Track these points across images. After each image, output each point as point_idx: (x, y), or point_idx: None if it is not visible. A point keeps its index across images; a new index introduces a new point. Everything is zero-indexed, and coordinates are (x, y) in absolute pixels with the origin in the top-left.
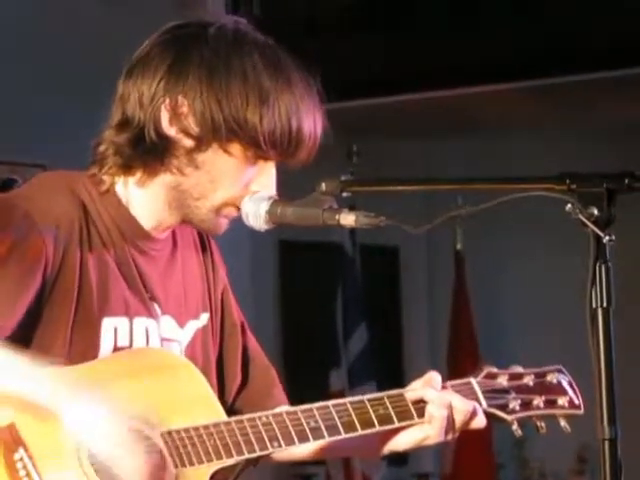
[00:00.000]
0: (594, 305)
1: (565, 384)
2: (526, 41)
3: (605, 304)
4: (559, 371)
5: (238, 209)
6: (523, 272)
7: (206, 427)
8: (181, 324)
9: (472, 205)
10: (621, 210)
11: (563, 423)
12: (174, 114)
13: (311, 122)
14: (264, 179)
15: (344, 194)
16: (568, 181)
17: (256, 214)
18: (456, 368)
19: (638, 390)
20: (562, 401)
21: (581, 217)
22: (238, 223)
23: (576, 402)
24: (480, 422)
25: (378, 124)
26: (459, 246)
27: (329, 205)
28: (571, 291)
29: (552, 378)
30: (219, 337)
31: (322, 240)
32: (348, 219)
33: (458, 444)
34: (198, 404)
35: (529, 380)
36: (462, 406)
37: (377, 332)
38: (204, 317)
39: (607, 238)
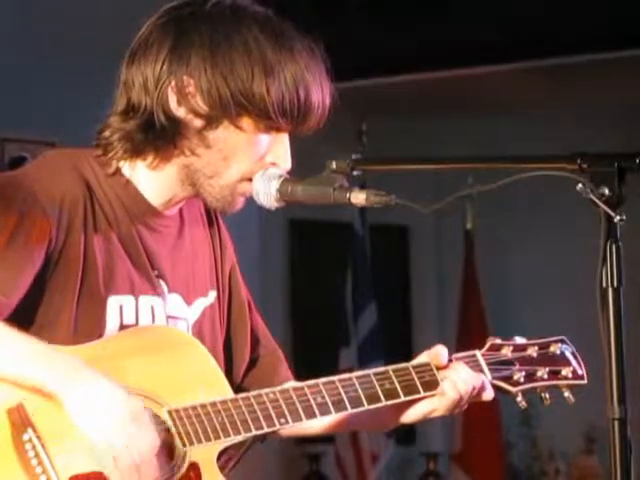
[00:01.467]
0: (604, 285)
1: (568, 354)
2: (535, 22)
3: (615, 284)
4: (562, 342)
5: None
6: (533, 252)
7: (213, 404)
8: (188, 302)
9: (482, 185)
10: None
11: (567, 394)
12: (181, 95)
13: (318, 89)
14: (278, 150)
15: (354, 173)
16: (579, 161)
17: (267, 192)
18: (465, 347)
19: None
20: (566, 372)
21: (592, 197)
22: (248, 202)
23: (579, 372)
24: (488, 395)
25: (388, 103)
26: (469, 225)
27: (340, 184)
28: (581, 270)
29: (555, 349)
30: (227, 316)
31: (332, 219)
32: (359, 198)
33: (466, 423)
34: (205, 381)
35: (533, 351)
36: (472, 380)
37: (386, 311)
38: (212, 295)
39: (618, 218)
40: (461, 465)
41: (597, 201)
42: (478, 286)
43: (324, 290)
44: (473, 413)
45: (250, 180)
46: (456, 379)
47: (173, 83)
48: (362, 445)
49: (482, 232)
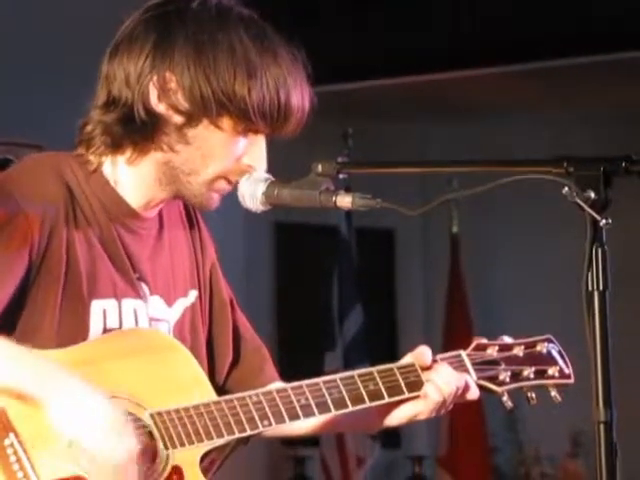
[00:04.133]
0: (590, 288)
1: (555, 353)
2: (523, 24)
3: (601, 287)
4: (549, 340)
5: (230, 183)
6: (518, 255)
7: (196, 407)
8: (169, 303)
9: (468, 188)
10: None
11: (553, 393)
12: (162, 91)
13: (299, 93)
14: (255, 152)
15: (340, 176)
16: (565, 164)
17: (253, 195)
18: (451, 350)
19: (634, 373)
20: (552, 371)
21: (578, 200)
22: (233, 204)
23: (566, 371)
24: (473, 395)
25: (374, 107)
26: (455, 229)
27: (326, 187)
28: (567, 273)
29: (542, 348)
30: (208, 315)
31: (318, 222)
32: (345, 201)
33: (452, 426)
34: (188, 384)
35: (519, 351)
36: (455, 381)
37: (372, 314)
38: (192, 294)
39: (603, 221)
40: (447, 468)
41: (583, 205)
42: (464, 289)
43: (310, 293)
44: (459, 416)
45: (226, 179)
46: (439, 382)
47: (155, 78)
48: (347, 448)
49: (468, 235)
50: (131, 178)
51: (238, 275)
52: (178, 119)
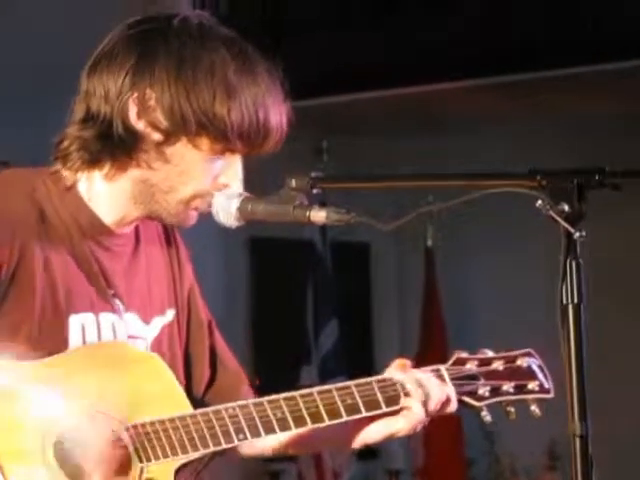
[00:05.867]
0: (565, 301)
1: (535, 368)
2: (493, 38)
3: (576, 300)
4: (529, 355)
5: (207, 202)
6: (493, 268)
7: (172, 420)
8: (146, 320)
9: (442, 202)
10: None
11: (533, 407)
12: (142, 107)
13: (277, 113)
14: (231, 171)
15: (314, 191)
16: (538, 177)
17: (227, 211)
18: (426, 363)
19: (608, 385)
20: (532, 385)
21: (552, 213)
22: (209, 220)
23: (546, 386)
24: (452, 408)
25: (347, 122)
26: (429, 242)
27: (299, 202)
28: (540, 285)
29: (522, 362)
30: (185, 334)
31: (293, 237)
32: (319, 215)
33: (429, 439)
34: (164, 397)
35: (499, 365)
36: (437, 395)
37: (348, 328)
38: (170, 313)
39: (578, 234)
40: None
41: (557, 217)
42: (439, 302)
43: (285, 308)
44: (435, 428)
45: (203, 198)
46: (419, 399)
47: (135, 95)
48: (324, 462)
49: (442, 249)
50: (106, 194)
51: (214, 289)
52: (157, 136)
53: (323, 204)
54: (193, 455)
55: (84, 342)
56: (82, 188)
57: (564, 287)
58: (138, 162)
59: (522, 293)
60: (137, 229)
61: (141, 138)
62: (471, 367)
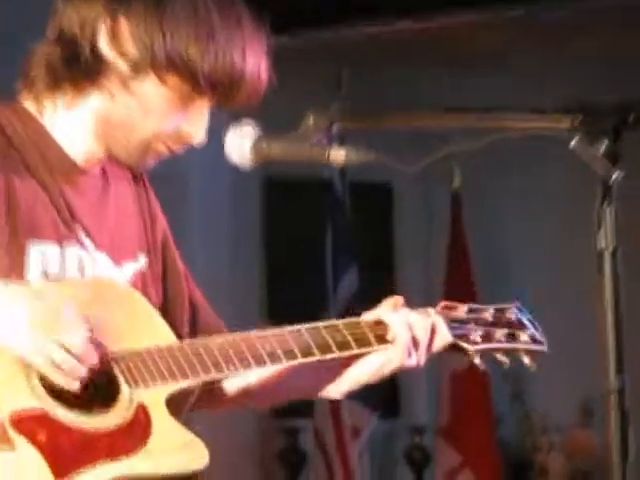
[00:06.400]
0: (600, 248)
1: (525, 320)
2: None
3: (612, 247)
4: (518, 308)
5: (168, 149)
6: (523, 212)
7: (159, 350)
8: (117, 262)
9: (469, 141)
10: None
11: (527, 360)
12: (113, 35)
13: (255, 66)
14: (196, 119)
15: (334, 127)
16: (574, 115)
17: (240, 150)
18: None
19: None
20: (524, 336)
21: (586, 155)
22: (219, 159)
23: (538, 337)
24: (444, 338)
25: (370, 52)
26: (456, 185)
27: (318, 139)
28: (574, 231)
29: (511, 314)
30: (162, 285)
31: (310, 177)
32: (338, 155)
33: (454, 396)
34: (148, 329)
35: (488, 315)
36: (421, 322)
37: (368, 277)
38: (142, 259)
39: (614, 177)
40: (448, 440)
41: (592, 160)
42: (466, 249)
43: (301, 254)
44: (461, 385)
45: (164, 143)
46: (400, 320)
47: (108, 21)
48: (342, 419)
49: (470, 193)
50: (69, 125)
51: (224, 234)
52: (124, 67)
53: (342, 141)
54: (183, 383)
55: (45, 273)
56: (47, 122)
57: (600, 233)
58: (100, 89)
59: (554, 238)
60: (105, 172)
61: (107, 66)
62: (461, 313)
